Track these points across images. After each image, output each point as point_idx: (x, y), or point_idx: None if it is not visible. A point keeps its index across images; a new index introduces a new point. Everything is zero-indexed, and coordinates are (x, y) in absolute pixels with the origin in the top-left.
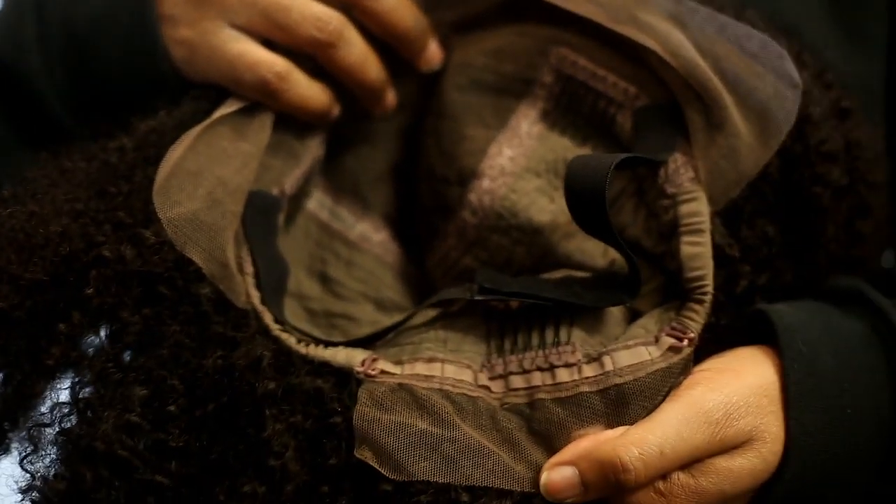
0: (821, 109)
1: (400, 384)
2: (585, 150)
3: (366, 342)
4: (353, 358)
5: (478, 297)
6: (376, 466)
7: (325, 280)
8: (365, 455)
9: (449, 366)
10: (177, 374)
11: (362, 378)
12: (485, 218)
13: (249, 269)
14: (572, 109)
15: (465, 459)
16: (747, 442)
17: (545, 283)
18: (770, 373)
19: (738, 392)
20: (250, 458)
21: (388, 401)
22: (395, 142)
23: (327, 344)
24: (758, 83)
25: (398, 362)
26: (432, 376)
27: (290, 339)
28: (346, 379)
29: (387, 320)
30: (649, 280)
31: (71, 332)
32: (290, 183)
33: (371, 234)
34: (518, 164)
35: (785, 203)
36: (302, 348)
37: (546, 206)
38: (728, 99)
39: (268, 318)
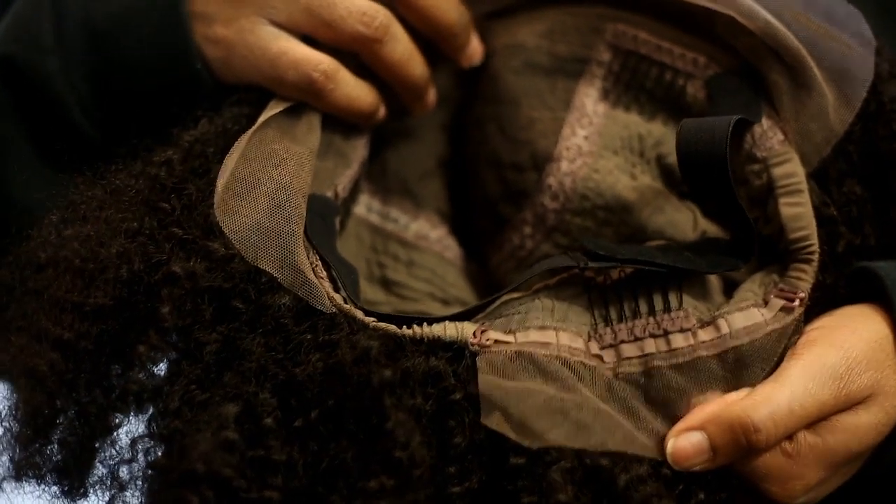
0: (889, 66)
1: (518, 352)
2: (656, 124)
3: (467, 316)
4: (463, 331)
5: (592, 265)
6: (507, 433)
7: (387, 284)
8: (495, 422)
9: (563, 333)
10: (267, 388)
11: (477, 350)
12: (567, 201)
13: (323, 273)
14: (634, 85)
15: (597, 425)
16: (870, 397)
17: (653, 251)
18: (883, 327)
19: (858, 347)
20: (374, 453)
21: (509, 368)
22: (437, 136)
23: (430, 321)
24: (831, 44)
25: (508, 331)
26: (548, 343)
27: (391, 327)
28: (459, 353)
29: None
30: None
31: (150, 355)
32: (342, 185)
33: (428, 232)
34: (594, 142)
35: (867, 162)
36: (407, 331)
37: (629, 183)
38: (810, 59)
39: (359, 314)
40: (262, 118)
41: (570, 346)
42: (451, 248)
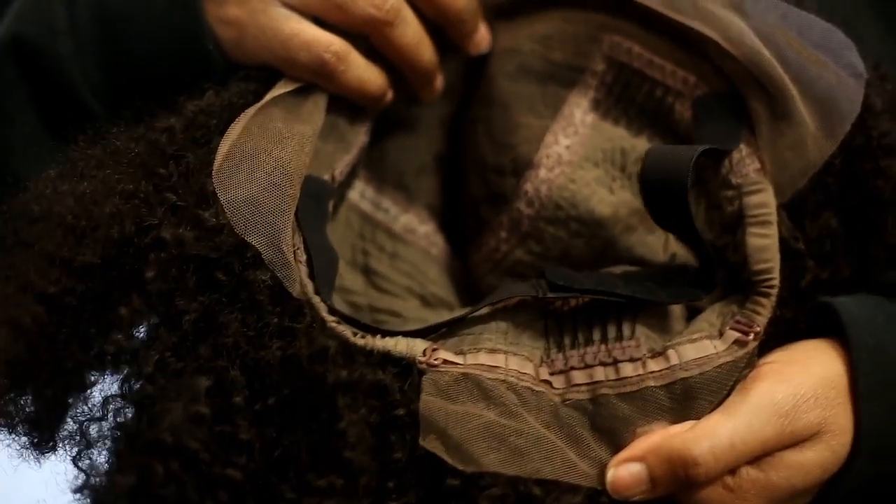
0: (882, 101)
1: (465, 374)
2: (641, 140)
3: (421, 334)
4: (413, 348)
5: (550, 296)
6: (443, 456)
7: (368, 273)
8: (431, 444)
9: (512, 357)
10: (237, 366)
11: (425, 368)
12: (542, 209)
13: (302, 256)
14: (625, 98)
15: (534, 452)
16: (817, 434)
17: (615, 279)
18: (837, 364)
19: (807, 384)
20: (325, 450)
21: (453, 390)
22: (437, 131)
23: (384, 334)
24: (821, 72)
25: (459, 352)
26: (496, 367)
27: (346, 332)
28: (407, 370)
29: (433, 317)
30: None
31: (131, 318)
32: (340, 169)
33: (416, 226)
34: (575, 153)
35: (847, 196)
36: (359, 340)
37: (606, 198)
38: (793, 88)
39: (322, 309)
40: (269, 95)
41: (519, 371)
42: (437, 245)
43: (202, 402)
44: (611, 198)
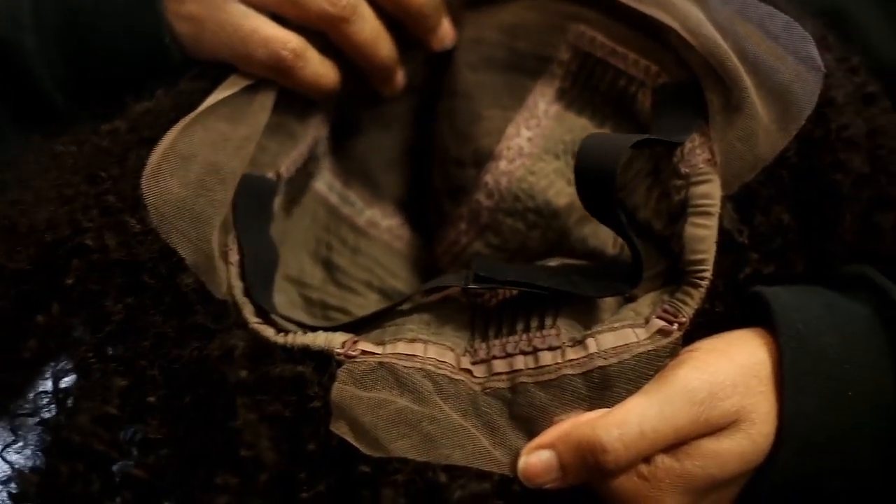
0: (844, 94)
1: (380, 363)
2: (605, 130)
3: (353, 328)
4: (332, 341)
5: (472, 286)
6: (352, 441)
7: (329, 267)
8: (341, 430)
9: (432, 346)
10: (157, 365)
11: (342, 360)
12: (500, 200)
13: (235, 258)
14: (590, 88)
15: (446, 439)
16: (734, 423)
17: (542, 271)
18: (761, 352)
19: (724, 371)
20: (222, 449)
21: (367, 379)
22: (407, 124)
23: (312, 329)
24: (779, 65)
25: (380, 343)
26: (414, 355)
27: (268, 331)
28: (325, 362)
29: None
30: (651, 265)
31: (49, 324)
32: (286, 165)
33: (379, 220)
34: (536, 144)
35: (802, 189)
36: (280, 338)
37: (564, 189)
38: (748, 80)
39: (247, 310)
40: (215, 96)
41: (437, 360)
42: (402, 239)
43: (113, 402)
44: (569, 189)
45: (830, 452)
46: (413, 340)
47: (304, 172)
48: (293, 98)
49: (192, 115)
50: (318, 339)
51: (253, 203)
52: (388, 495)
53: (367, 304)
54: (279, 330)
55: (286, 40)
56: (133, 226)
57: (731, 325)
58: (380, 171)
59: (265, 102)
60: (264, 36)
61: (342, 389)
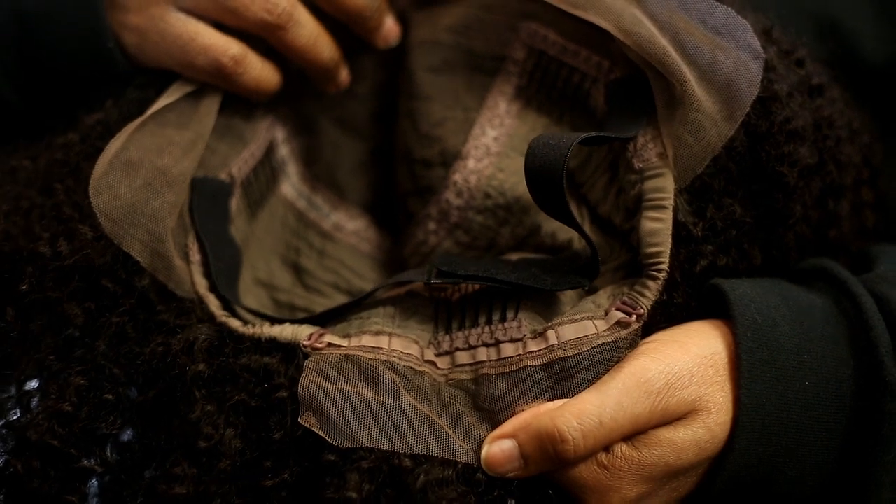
0: (787, 86)
1: (346, 355)
2: (563, 127)
3: (318, 322)
4: (299, 333)
5: (434, 281)
6: (319, 433)
7: (297, 271)
8: (309, 422)
9: (396, 339)
10: (117, 363)
11: (308, 351)
12: (471, 198)
13: (196, 257)
14: (546, 85)
15: (411, 429)
16: (691, 413)
17: (503, 266)
18: (717, 343)
19: (681, 362)
20: (180, 440)
21: (334, 371)
22: (371, 128)
23: (274, 322)
24: (718, 56)
25: (346, 336)
26: (379, 348)
27: (235, 323)
28: (292, 354)
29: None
30: (612, 258)
31: (4, 329)
32: (237, 166)
33: (345, 223)
34: (502, 143)
35: (752, 182)
36: (248, 330)
37: None
38: (688, 72)
39: (213, 304)
40: (159, 103)
41: (402, 352)
42: (368, 241)
43: (70, 400)
44: None
45: (789, 442)
46: (378, 333)
47: (265, 175)
48: (241, 100)
49: (137, 122)
50: (286, 332)
51: (208, 203)
52: (354, 480)
53: (334, 304)
54: (245, 323)
55: (226, 47)
56: (85, 233)
57: (690, 316)
58: (345, 175)
59: (211, 106)
60: (204, 44)
61: (309, 381)
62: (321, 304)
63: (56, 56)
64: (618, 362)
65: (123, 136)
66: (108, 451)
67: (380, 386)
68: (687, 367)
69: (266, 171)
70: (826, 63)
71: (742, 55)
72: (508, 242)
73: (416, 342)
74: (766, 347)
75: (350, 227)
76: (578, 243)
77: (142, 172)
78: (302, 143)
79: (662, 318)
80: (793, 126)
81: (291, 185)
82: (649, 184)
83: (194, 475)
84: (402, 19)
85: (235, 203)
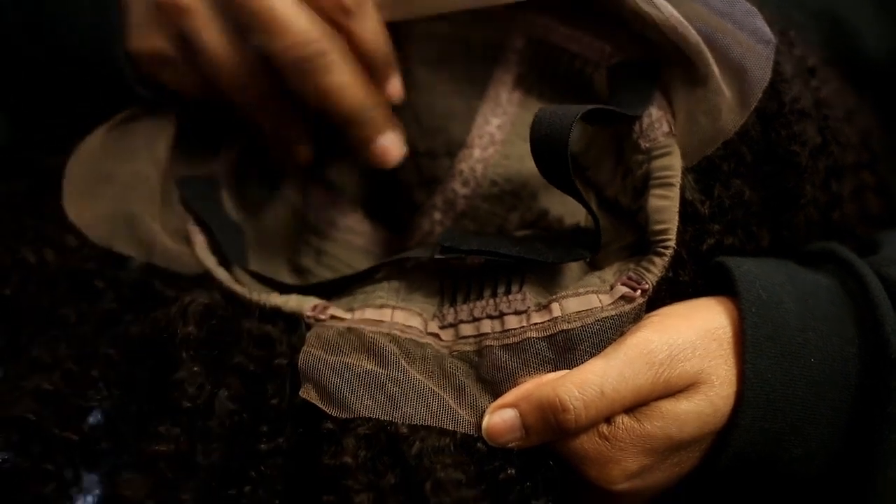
0: (791, 67)
1: (349, 328)
2: None
3: (324, 293)
4: (303, 304)
5: (438, 256)
6: (318, 404)
7: (298, 271)
8: (308, 394)
9: (399, 312)
10: (109, 344)
11: (312, 322)
12: (477, 187)
13: (198, 237)
14: (548, 72)
15: (410, 399)
16: (693, 385)
17: (506, 241)
18: (721, 318)
19: (684, 334)
20: (163, 400)
21: (335, 343)
22: None
23: (282, 291)
24: (730, 41)
25: (349, 309)
26: (381, 321)
27: (242, 289)
28: (295, 323)
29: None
30: (619, 238)
31: None
32: (217, 165)
33: (338, 220)
34: (505, 131)
35: (762, 163)
36: (255, 296)
37: (537, 171)
38: (709, 54)
39: (220, 274)
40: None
41: (404, 325)
42: (363, 235)
43: (53, 379)
44: None
45: (794, 418)
46: (381, 307)
47: (256, 177)
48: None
49: (100, 132)
50: (290, 302)
51: (199, 193)
52: (350, 445)
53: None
54: (253, 290)
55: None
56: (69, 242)
57: (695, 294)
58: (338, 170)
59: (169, 118)
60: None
61: (309, 352)
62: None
63: (64, 60)
64: (621, 336)
65: (90, 147)
66: (92, 419)
67: (380, 358)
68: (690, 339)
69: (256, 173)
70: (829, 59)
71: (752, 40)
72: (517, 227)
73: (420, 315)
74: (771, 323)
75: (343, 223)
76: (586, 224)
77: (117, 179)
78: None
79: (668, 295)
80: (801, 105)
81: (291, 186)
82: (657, 162)
83: (177, 434)
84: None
85: (227, 198)
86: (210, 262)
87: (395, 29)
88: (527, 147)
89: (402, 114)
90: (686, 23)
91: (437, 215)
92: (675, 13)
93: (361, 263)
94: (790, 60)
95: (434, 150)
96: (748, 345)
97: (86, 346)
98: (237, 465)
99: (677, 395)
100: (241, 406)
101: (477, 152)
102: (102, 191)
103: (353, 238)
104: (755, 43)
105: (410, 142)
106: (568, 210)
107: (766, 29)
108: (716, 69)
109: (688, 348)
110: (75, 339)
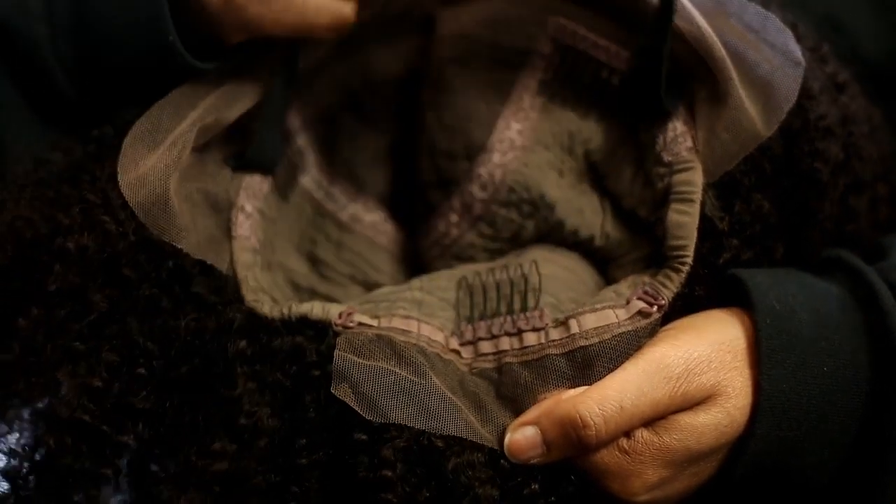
0: (819, 84)
1: (378, 335)
2: (589, 122)
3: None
4: (329, 311)
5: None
6: (353, 405)
7: (314, 261)
8: (343, 393)
9: (424, 325)
10: (150, 337)
11: (340, 329)
12: (495, 192)
13: (239, 231)
14: (573, 80)
15: (442, 411)
16: (710, 397)
17: None
18: (736, 329)
19: (700, 348)
20: (220, 417)
21: (366, 349)
22: (390, 119)
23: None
24: (759, 58)
25: (374, 317)
26: (409, 331)
27: (265, 307)
28: (323, 332)
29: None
30: (635, 249)
31: (29, 327)
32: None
33: (363, 215)
34: (526, 137)
35: (783, 179)
36: (277, 312)
37: (556, 180)
38: (733, 71)
39: (248, 287)
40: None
41: (430, 338)
42: (385, 233)
43: (100, 375)
44: (560, 180)
45: (808, 426)
46: (406, 317)
47: (286, 161)
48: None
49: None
50: (316, 310)
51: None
52: (387, 456)
53: (351, 295)
54: (275, 301)
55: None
56: (108, 225)
57: (709, 305)
58: (364, 167)
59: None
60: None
61: (342, 357)
62: (343, 295)
63: (113, 50)
64: (638, 350)
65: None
66: (141, 426)
67: (412, 367)
68: (705, 352)
69: (285, 159)
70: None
71: (782, 59)
72: (532, 235)
73: (441, 330)
74: (786, 334)
75: (367, 219)
76: (601, 239)
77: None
78: (319, 132)
79: (683, 309)
80: (826, 123)
81: (310, 176)
82: (678, 177)
83: (234, 452)
84: (429, 18)
85: (264, 183)
86: (242, 266)
87: (426, 26)
88: (546, 157)
89: (427, 112)
90: (714, 36)
91: (454, 217)
92: (705, 25)
93: (381, 262)
94: (820, 77)
95: (453, 152)
96: (763, 356)
97: (128, 334)
98: (279, 480)
99: (695, 407)
100: (282, 422)
101: (496, 157)
102: (150, 152)
103: (375, 235)
104: (785, 62)
105: (431, 140)
106: (584, 222)
107: (798, 50)
108: (738, 85)
109: (704, 361)
110: (118, 327)
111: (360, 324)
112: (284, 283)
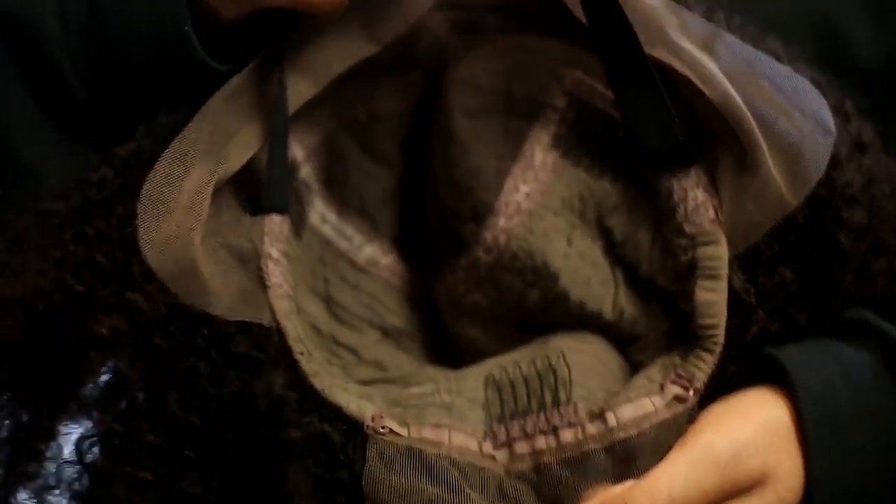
0: (846, 150)
1: (408, 448)
2: (603, 183)
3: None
4: (364, 410)
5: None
6: None
7: (329, 302)
8: None
9: (456, 433)
10: (193, 409)
11: (371, 434)
12: (499, 257)
13: (273, 279)
14: (587, 137)
15: None
16: (760, 482)
17: None
18: (778, 411)
19: (745, 432)
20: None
21: (397, 463)
22: (398, 155)
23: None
24: (790, 126)
25: (404, 423)
26: (440, 442)
27: (309, 367)
28: (355, 430)
29: (391, 349)
30: (654, 326)
31: (51, 415)
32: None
33: (380, 258)
34: (534, 200)
35: (806, 248)
36: (318, 383)
37: (563, 249)
38: (762, 140)
39: (292, 336)
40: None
41: (462, 447)
42: (398, 274)
43: (147, 465)
44: (568, 249)
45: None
46: (437, 426)
47: (296, 198)
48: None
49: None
50: (352, 405)
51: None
52: None
53: (368, 342)
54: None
55: None
56: (138, 303)
57: (742, 383)
58: (377, 204)
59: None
60: None
61: (373, 473)
62: (359, 343)
63: (127, 47)
64: (678, 437)
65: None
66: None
67: (444, 484)
68: (751, 436)
69: (294, 193)
70: (822, 65)
71: (813, 127)
72: (537, 303)
73: (474, 435)
74: (829, 418)
75: (384, 261)
76: (612, 313)
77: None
78: (322, 163)
79: (715, 386)
80: (852, 191)
81: (315, 210)
82: (703, 251)
83: None
84: (442, 52)
85: (284, 224)
86: (283, 316)
87: (437, 76)
88: (553, 222)
89: (436, 163)
90: (741, 104)
91: (461, 275)
92: (730, 90)
93: (395, 304)
94: (845, 140)
95: (461, 212)
96: (809, 439)
97: (167, 407)
98: None
99: (746, 493)
100: None
101: (502, 221)
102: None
103: (390, 277)
104: (816, 130)
105: (439, 195)
106: (590, 294)
107: (829, 117)
108: (768, 156)
109: (751, 446)
110: (156, 403)
111: (391, 430)
112: (305, 327)
